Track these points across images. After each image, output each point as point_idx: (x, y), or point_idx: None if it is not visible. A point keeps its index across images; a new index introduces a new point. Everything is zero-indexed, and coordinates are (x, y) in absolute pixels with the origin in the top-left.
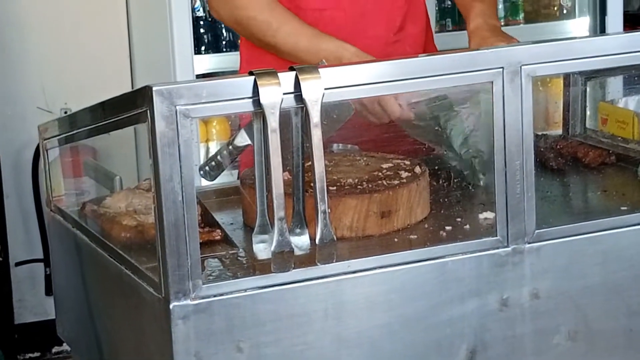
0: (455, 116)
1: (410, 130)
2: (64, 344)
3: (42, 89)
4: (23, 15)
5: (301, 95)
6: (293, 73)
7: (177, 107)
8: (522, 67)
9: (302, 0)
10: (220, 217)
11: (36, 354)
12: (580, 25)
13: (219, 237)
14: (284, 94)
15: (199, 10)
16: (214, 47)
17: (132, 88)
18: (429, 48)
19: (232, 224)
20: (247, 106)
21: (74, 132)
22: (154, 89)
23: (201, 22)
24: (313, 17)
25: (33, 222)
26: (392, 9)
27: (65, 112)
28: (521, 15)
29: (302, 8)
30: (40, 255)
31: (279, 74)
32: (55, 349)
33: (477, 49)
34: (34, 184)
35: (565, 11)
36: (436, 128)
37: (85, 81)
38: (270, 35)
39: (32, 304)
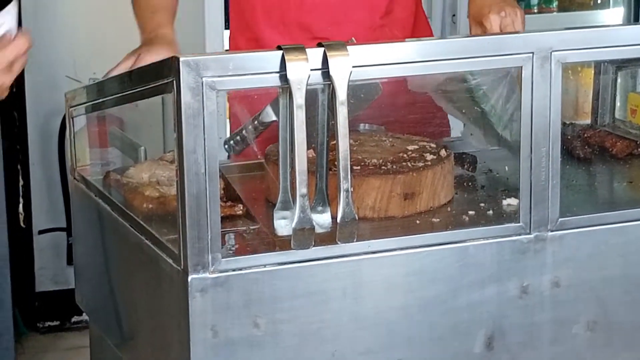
0: (497, 96)
1: (447, 106)
2: (83, 314)
3: (72, 58)
4: None
5: (328, 72)
6: (321, 49)
7: (204, 79)
8: (553, 52)
9: None
10: (242, 192)
11: (55, 322)
12: (614, 15)
13: (240, 212)
14: (312, 70)
15: None
16: None
17: None
18: (420, 31)
19: (254, 199)
20: (274, 81)
21: (100, 100)
22: (181, 59)
23: None
24: (295, 4)
25: (58, 190)
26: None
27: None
28: (555, 4)
29: None
30: (64, 224)
31: (307, 50)
32: (74, 319)
33: (507, 33)
34: (59, 152)
35: (599, 1)
36: (476, 108)
37: (115, 52)
38: None
39: (54, 272)
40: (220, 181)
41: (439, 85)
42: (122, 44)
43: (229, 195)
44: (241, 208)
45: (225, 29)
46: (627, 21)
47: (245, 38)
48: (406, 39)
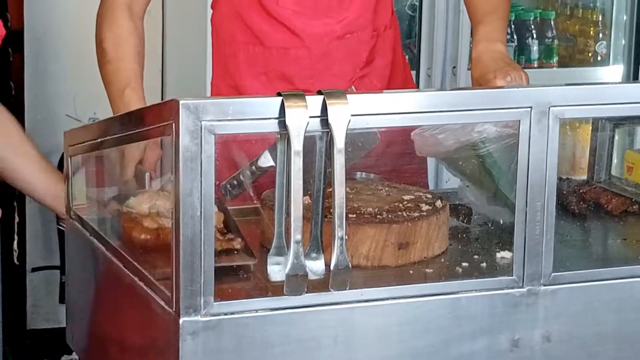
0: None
1: (456, 171)
2: (74, 353)
3: (72, 97)
4: (59, 23)
5: (327, 119)
6: (321, 97)
7: (203, 122)
8: (551, 108)
9: (267, 39)
10: None
11: None
12: (614, 72)
13: (238, 247)
14: (310, 117)
15: None
16: None
17: (162, 100)
18: (397, 78)
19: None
20: (273, 126)
21: (99, 140)
22: (180, 102)
23: None
24: (278, 55)
25: (53, 229)
26: (358, 45)
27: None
28: (555, 59)
29: (267, 46)
30: (58, 263)
31: (306, 97)
32: (64, 358)
33: (507, 87)
34: None
35: (599, 58)
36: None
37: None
38: (100, 64)
39: (46, 310)
40: (221, 214)
41: (448, 152)
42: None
43: (229, 228)
44: (240, 242)
45: None
46: (627, 78)
47: (226, 85)
48: (405, 90)
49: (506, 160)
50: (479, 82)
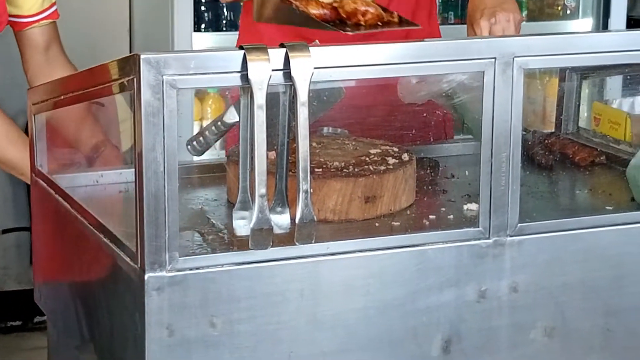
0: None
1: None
2: None
3: None
4: None
5: (290, 72)
6: (283, 50)
7: (164, 77)
8: (515, 58)
9: None
10: (204, 193)
11: (17, 322)
12: (583, 25)
13: None
14: (273, 70)
15: None
16: (214, 25)
17: None
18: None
19: (215, 200)
20: (235, 80)
21: (62, 97)
22: (141, 57)
23: (202, 0)
24: None
25: (23, 190)
26: None
27: None
28: (524, 13)
29: None
30: (28, 224)
31: (269, 50)
32: (37, 319)
33: (472, 38)
34: None
35: (568, 11)
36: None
37: (84, 54)
38: None
39: (17, 272)
40: None
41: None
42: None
43: None
44: None
45: (195, 30)
46: (596, 31)
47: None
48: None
49: (477, 110)
50: (469, 20)
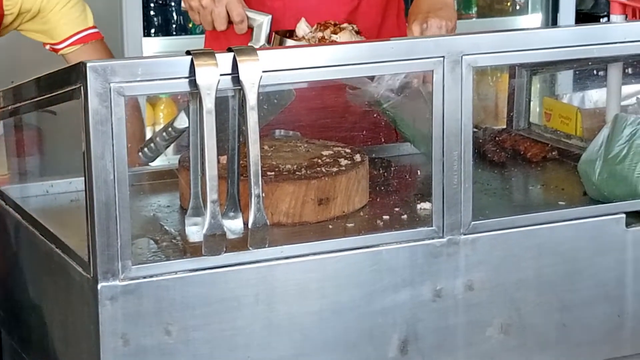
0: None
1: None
2: None
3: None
4: None
5: (238, 77)
6: (231, 54)
7: (111, 85)
8: (464, 56)
9: None
10: (157, 200)
11: None
12: (532, 21)
13: None
14: (221, 75)
15: None
16: (164, 30)
17: None
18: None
19: (168, 206)
20: (183, 86)
21: (12, 107)
22: (88, 65)
23: (152, 5)
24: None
25: None
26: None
27: None
28: (474, 10)
29: None
30: None
31: (216, 55)
32: None
33: (419, 37)
34: None
35: (518, 7)
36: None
37: (34, 59)
38: None
39: None
40: None
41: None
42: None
43: None
44: None
45: (144, 35)
46: (545, 27)
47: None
48: (318, 44)
49: (407, 113)
50: (408, 20)
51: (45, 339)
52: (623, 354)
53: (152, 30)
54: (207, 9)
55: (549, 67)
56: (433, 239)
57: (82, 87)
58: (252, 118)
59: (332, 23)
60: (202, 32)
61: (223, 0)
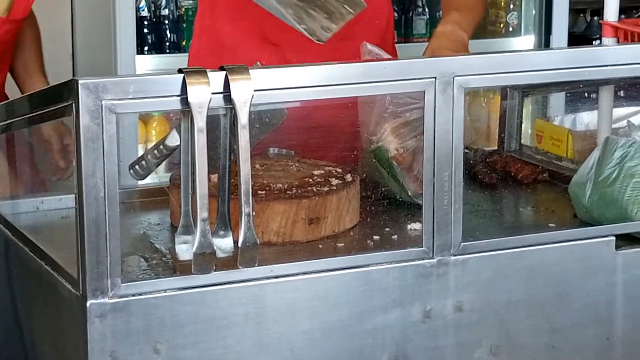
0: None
1: None
2: None
3: None
4: None
5: (230, 95)
6: (223, 73)
7: (103, 102)
8: (455, 78)
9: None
10: (148, 217)
11: None
12: (525, 43)
13: None
14: (213, 93)
15: (143, 10)
16: (157, 47)
17: None
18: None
19: (159, 224)
20: (175, 104)
21: (1, 124)
22: (80, 82)
23: (145, 22)
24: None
25: None
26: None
27: None
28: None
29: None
30: None
31: (208, 73)
32: None
33: (410, 58)
34: None
35: (511, 29)
36: None
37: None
38: None
39: None
40: None
41: None
42: None
43: None
44: None
45: (138, 53)
46: (538, 48)
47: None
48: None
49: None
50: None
51: (35, 355)
52: None
53: (146, 48)
54: None
55: (540, 89)
56: (423, 259)
57: (73, 104)
58: (244, 137)
59: None
60: None
61: None
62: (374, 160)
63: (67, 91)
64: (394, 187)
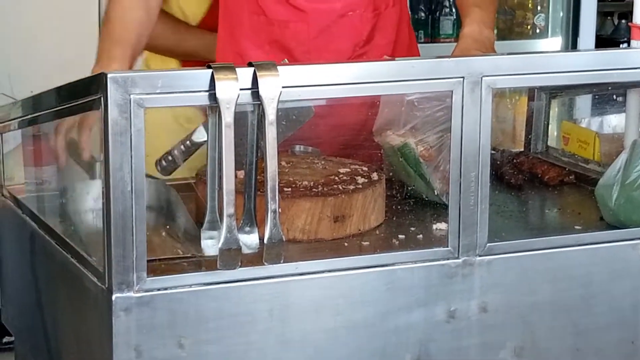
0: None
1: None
2: None
3: (7, 75)
4: None
5: (258, 92)
6: (251, 69)
7: (132, 96)
8: (483, 78)
9: (269, 11)
10: None
11: None
12: (552, 44)
13: None
14: (241, 89)
15: None
16: None
17: None
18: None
19: None
20: (203, 99)
21: (30, 116)
22: (109, 76)
23: None
24: (279, 27)
25: None
26: (358, 23)
27: None
28: (494, 32)
29: (269, 18)
30: None
31: (237, 69)
32: (6, 339)
33: (440, 57)
34: None
35: (538, 30)
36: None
37: (53, 69)
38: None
39: None
40: None
41: None
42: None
43: None
44: None
45: None
46: (565, 50)
47: (232, 51)
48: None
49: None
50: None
51: (58, 348)
52: None
53: None
54: None
55: (568, 91)
56: (448, 259)
57: (102, 98)
58: (271, 133)
59: None
60: None
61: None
62: (400, 159)
63: (95, 85)
64: (420, 185)
